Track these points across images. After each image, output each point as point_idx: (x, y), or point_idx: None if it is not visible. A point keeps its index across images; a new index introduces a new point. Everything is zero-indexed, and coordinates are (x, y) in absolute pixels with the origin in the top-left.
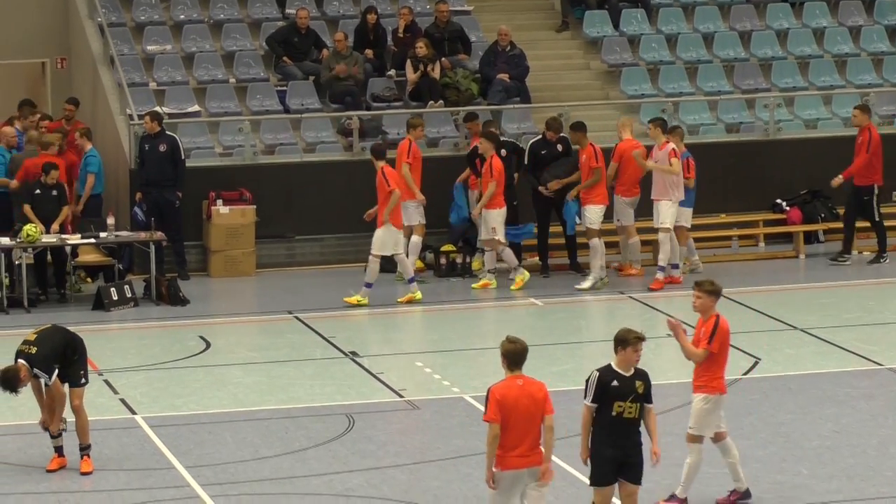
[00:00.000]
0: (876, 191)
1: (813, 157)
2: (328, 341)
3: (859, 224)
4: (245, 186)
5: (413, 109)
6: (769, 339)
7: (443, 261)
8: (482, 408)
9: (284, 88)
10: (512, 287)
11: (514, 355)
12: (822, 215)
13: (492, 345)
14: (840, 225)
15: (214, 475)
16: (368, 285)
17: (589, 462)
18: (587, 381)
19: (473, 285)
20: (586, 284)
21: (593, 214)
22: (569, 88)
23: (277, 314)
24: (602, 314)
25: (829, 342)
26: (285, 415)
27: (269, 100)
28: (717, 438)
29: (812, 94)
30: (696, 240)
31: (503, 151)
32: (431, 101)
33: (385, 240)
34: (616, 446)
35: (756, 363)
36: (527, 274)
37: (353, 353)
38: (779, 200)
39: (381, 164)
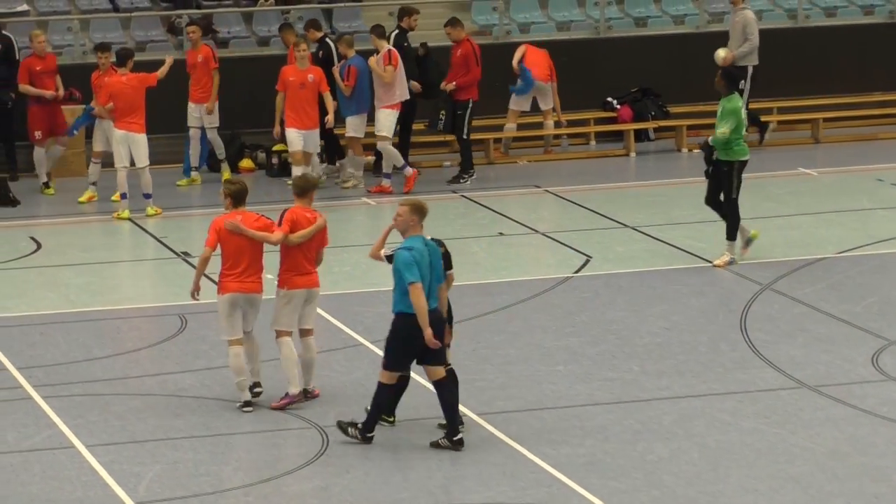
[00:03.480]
0: (470, 106)
1: (643, 54)
2: (160, 242)
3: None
4: (75, 86)
5: (243, 8)
6: (600, 237)
7: (274, 160)
8: (319, 311)
9: None
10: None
11: (237, 194)
12: (653, 113)
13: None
14: (670, 123)
15: (46, 376)
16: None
17: None
18: None
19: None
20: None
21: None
22: None
23: (108, 214)
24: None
25: (659, 240)
26: (117, 315)
27: None
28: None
29: None
30: (528, 139)
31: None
32: (261, 1)
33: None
34: None
35: (587, 261)
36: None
37: (185, 254)
38: (609, 99)
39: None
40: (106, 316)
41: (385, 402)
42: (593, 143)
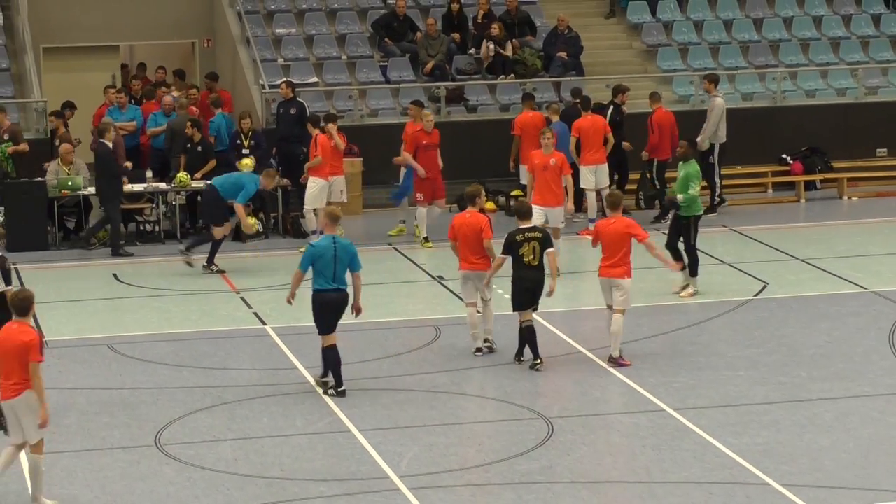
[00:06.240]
0: (656, 164)
1: (812, 120)
2: (419, 267)
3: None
4: (354, 143)
5: (489, 81)
6: (776, 268)
7: (512, 203)
8: (546, 323)
9: (386, 64)
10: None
11: (467, 195)
12: (819, 167)
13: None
14: (833, 175)
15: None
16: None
17: None
18: None
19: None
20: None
21: None
22: (615, 64)
23: (379, 245)
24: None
25: (824, 270)
26: (384, 326)
27: (373, 73)
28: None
29: (811, 70)
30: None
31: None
32: (503, 75)
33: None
34: None
35: (764, 286)
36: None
37: (440, 277)
38: (784, 155)
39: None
40: (375, 327)
41: (332, 359)
42: (770, 191)
